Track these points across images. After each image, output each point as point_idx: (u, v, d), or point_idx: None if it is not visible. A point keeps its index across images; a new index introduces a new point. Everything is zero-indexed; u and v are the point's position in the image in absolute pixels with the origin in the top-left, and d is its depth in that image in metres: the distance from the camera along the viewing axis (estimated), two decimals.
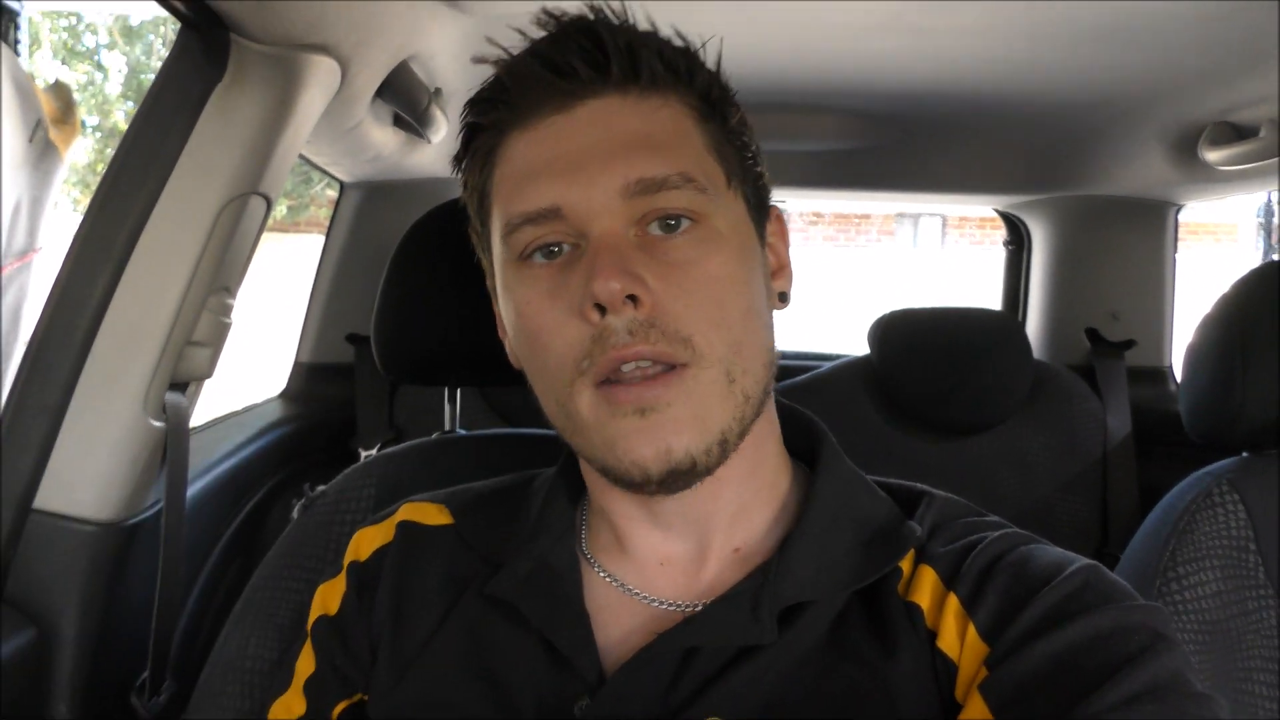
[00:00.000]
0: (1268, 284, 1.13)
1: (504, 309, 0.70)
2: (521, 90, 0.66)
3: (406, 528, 0.78)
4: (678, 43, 0.69)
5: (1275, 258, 1.22)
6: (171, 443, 1.09)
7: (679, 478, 0.63)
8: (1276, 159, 1.50)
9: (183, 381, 1.11)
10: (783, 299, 0.74)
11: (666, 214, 0.64)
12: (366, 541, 0.78)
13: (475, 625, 0.70)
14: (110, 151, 1.04)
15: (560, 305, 0.63)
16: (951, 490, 0.76)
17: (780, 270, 0.75)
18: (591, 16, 0.67)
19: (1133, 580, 1.06)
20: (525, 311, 0.66)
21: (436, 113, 1.50)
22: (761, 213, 0.72)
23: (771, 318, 0.70)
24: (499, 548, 0.73)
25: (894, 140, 1.86)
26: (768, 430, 0.72)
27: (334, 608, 0.76)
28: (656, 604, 0.69)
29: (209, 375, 1.15)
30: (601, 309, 0.61)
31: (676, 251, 0.64)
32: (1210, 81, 1.44)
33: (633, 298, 0.61)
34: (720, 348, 0.63)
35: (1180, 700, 0.54)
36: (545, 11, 0.67)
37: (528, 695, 0.66)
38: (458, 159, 0.73)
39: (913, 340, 1.93)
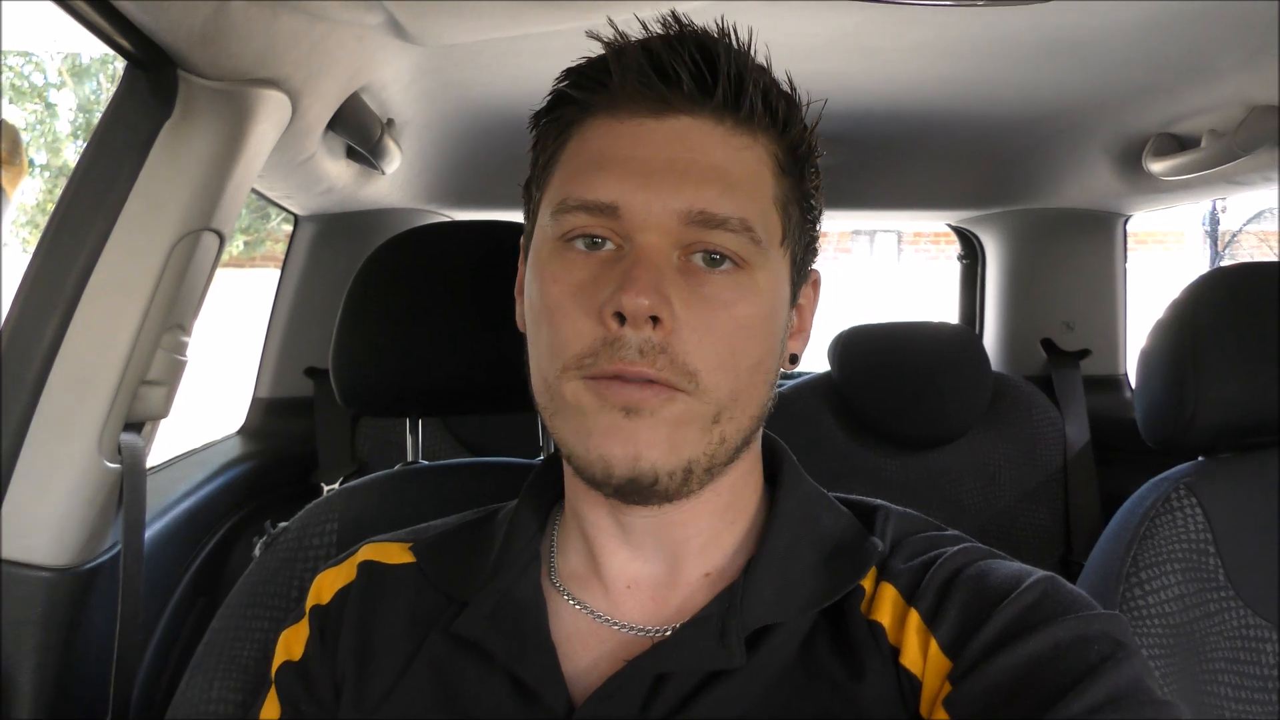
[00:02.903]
0: (1215, 290, 1.15)
1: (529, 274, 0.69)
2: (622, 80, 0.65)
3: (368, 567, 0.77)
4: (785, 88, 0.69)
5: (1222, 264, 1.25)
6: (128, 484, 1.07)
7: (639, 490, 0.63)
8: (1218, 169, 1.53)
9: (138, 421, 1.10)
10: (792, 360, 0.74)
11: (713, 250, 0.64)
12: (328, 583, 0.77)
13: (442, 665, 0.69)
14: (59, 191, 1.02)
15: (584, 298, 0.63)
16: (916, 504, 0.76)
17: (799, 333, 0.75)
18: (714, 33, 0.66)
19: (1096, 587, 1.07)
20: (549, 289, 0.65)
21: (389, 143, 1.50)
22: (803, 275, 0.73)
23: (776, 375, 0.70)
24: (463, 586, 0.73)
25: (847, 159, 1.88)
26: (750, 467, 0.72)
27: (298, 653, 0.75)
28: (625, 630, 0.68)
29: (165, 414, 1.13)
30: (621, 319, 0.61)
31: (710, 287, 0.64)
32: (1152, 94, 1.47)
33: (655, 319, 0.61)
34: (721, 390, 0.63)
35: (1141, 708, 0.54)
36: (673, 13, 0.66)
37: None
38: (536, 116, 0.72)
39: (873, 356, 1.94)
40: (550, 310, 0.65)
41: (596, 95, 0.66)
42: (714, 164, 0.64)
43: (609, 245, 0.64)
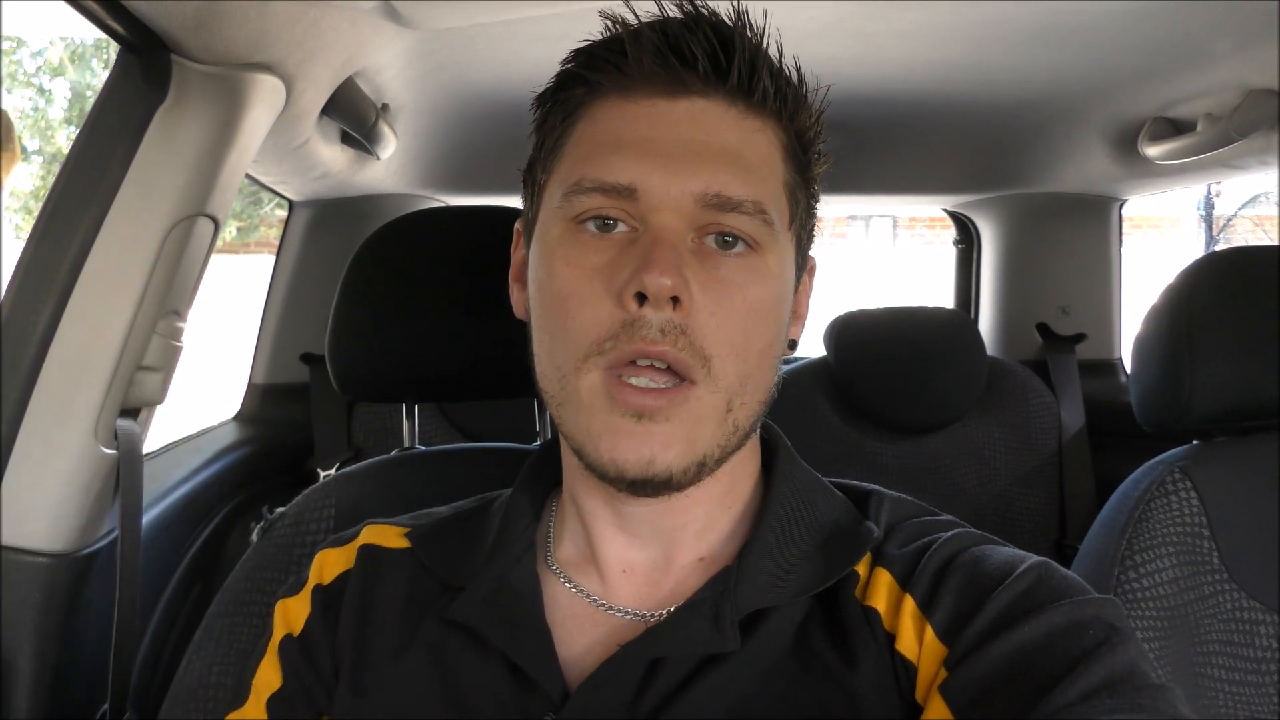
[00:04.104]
0: (1210, 274, 1.16)
1: (537, 258, 0.68)
2: (637, 60, 0.64)
3: (367, 551, 0.77)
4: (793, 73, 0.69)
5: (1217, 248, 1.25)
6: (124, 470, 1.07)
7: (652, 487, 0.63)
8: (1214, 153, 1.53)
9: (134, 407, 1.10)
10: (791, 346, 0.74)
11: (727, 232, 0.64)
12: (329, 565, 0.77)
13: (438, 650, 0.70)
14: (53, 177, 1.02)
15: (600, 280, 0.63)
16: (912, 488, 0.76)
17: (797, 319, 0.75)
18: (730, 20, 0.66)
19: (1091, 570, 1.08)
20: (562, 273, 0.64)
21: (384, 128, 1.49)
22: (804, 260, 0.73)
23: (781, 359, 0.71)
24: (458, 572, 0.73)
25: (842, 144, 1.88)
26: (749, 453, 0.72)
27: (298, 628, 0.75)
28: (619, 614, 0.69)
29: (161, 400, 1.13)
30: (641, 299, 0.61)
31: (724, 270, 0.64)
32: (1148, 78, 1.47)
33: (675, 299, 0.61)
34: (731, 377, 0.63)
35: (1136, 693, 0.54)
36: None
37: (492, 717, 0.66)
38: (541, 97, 0.71)
39: (868, 341, 1.95)
40: (565, 295, 0.64)
41: (608, 76, 0.66)
42: (728, 146, 0.64)
43: (621, 227, 0.64)
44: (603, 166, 0.64)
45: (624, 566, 0.70)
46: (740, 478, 0.72)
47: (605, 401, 0.62)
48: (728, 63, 0.64)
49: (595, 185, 0.64)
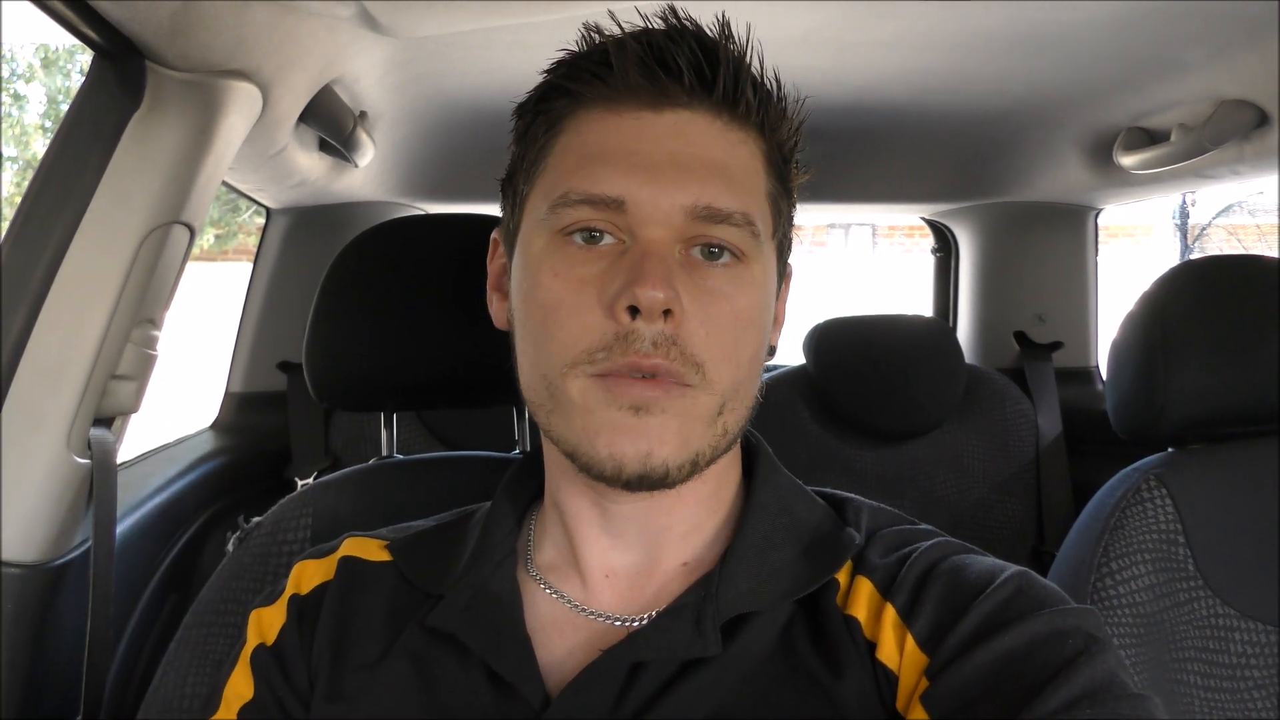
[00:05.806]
0: (1185, 282, 1.17)
1: (521, 269, 0.68)
2: (622, 71, 0.65)
3: (348, 563, 0.77)
4: (773, 84, 0.69)
5: (1191, 257, 1.26)
6: (98, 479, 1.06)
7: (648, 483, 0.63)
8: (1187, 162, 1.54)
9: (108, 416, 1.09)
10: (770, 352, 0.74)
11: (715, 243, 0.65)
12: (308, 575, 0.77)
13: (418, 658, 0.69)
14: (27, 184, 1.01)
15: (589, 292, 0.63)
16: (890, 495, 0.77)
17: (776, 325, 0.75)
18: (711, 30, 0.66)
19: (1067, 577, 1.08)
20: (549, 284, 0.65)
21: (362, 136, 1.49)
22: (783, 268, 0.74)
23: (763, 367, 0.71)
24: (438, 580, 0.73)
25: (821, 153, 1.88)
26: (733, 458, 0.73)
27: (271, 637, 0.74)
28: (601, 620, 0.69)
29: (135, 409, 1.12)
30: (633, 312, 0.61)
31: (712, 280, 0.64)
32: (1123, 88, 1.48)
33: (667, 311, 0.61)
34: (725, 381, 0.64)
35: (1117, 702, 0.55)
36: (671, 8, 0.66)
37: None
38: (522, 108, 0.71)
39: (847, 348, 1.95)
40: (552, 305, 0.64)
41: (592, 87, 0.66)
42: (714, 159, 0.65)
43: (608, 239, 0.64)
44: (590, 179, 0.64)
45: (606, 571, 0.70)
46: (725, 482, 0.73)
47: (602, 396, 0.62)
48: (712, 75, 0.64)
49: (583, 197, 0.64)
